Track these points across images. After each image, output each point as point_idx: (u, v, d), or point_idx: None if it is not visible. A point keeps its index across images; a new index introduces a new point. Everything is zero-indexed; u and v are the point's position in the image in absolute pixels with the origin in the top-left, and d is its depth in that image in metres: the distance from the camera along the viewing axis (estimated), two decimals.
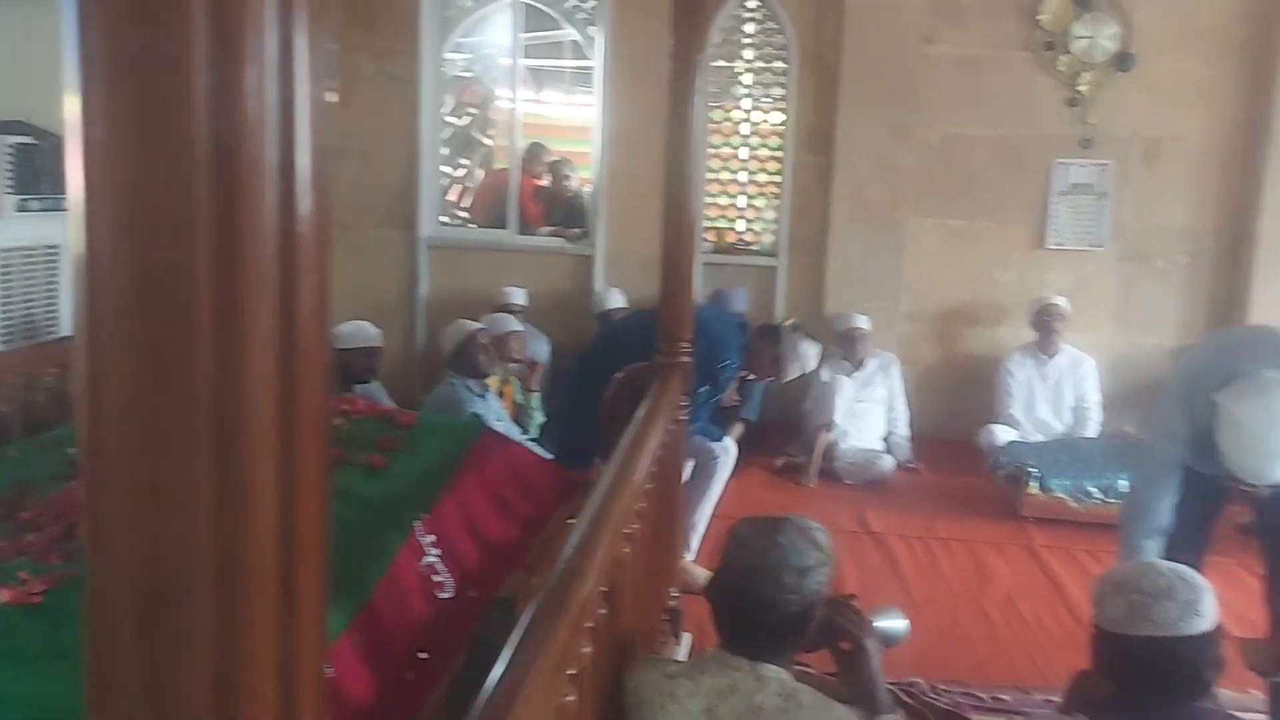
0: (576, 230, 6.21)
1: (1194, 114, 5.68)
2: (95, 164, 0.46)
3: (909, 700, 2.93)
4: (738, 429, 5.34)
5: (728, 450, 4.24)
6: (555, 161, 6.49)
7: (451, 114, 6.49)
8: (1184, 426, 2.48)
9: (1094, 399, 5.48)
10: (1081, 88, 5.71)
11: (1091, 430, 5.39)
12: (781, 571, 1.78)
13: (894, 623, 2.17)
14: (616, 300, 5.69)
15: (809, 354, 4.15)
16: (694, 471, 4.01)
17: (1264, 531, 2.80)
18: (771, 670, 1.77)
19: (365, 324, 4.55)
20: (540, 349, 5.58)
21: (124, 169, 0.46)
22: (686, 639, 3.04)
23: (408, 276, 6.21)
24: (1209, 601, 1.70)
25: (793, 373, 4.16)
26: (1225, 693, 2.99)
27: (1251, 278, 5.55)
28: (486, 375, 4.42)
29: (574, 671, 1.42)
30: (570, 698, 1.39)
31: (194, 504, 0.47)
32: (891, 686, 2.95)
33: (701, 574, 3.18)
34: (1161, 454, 2.60)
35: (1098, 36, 5.66)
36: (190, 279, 0.46)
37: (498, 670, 1.22)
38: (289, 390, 0.50)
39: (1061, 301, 5.48)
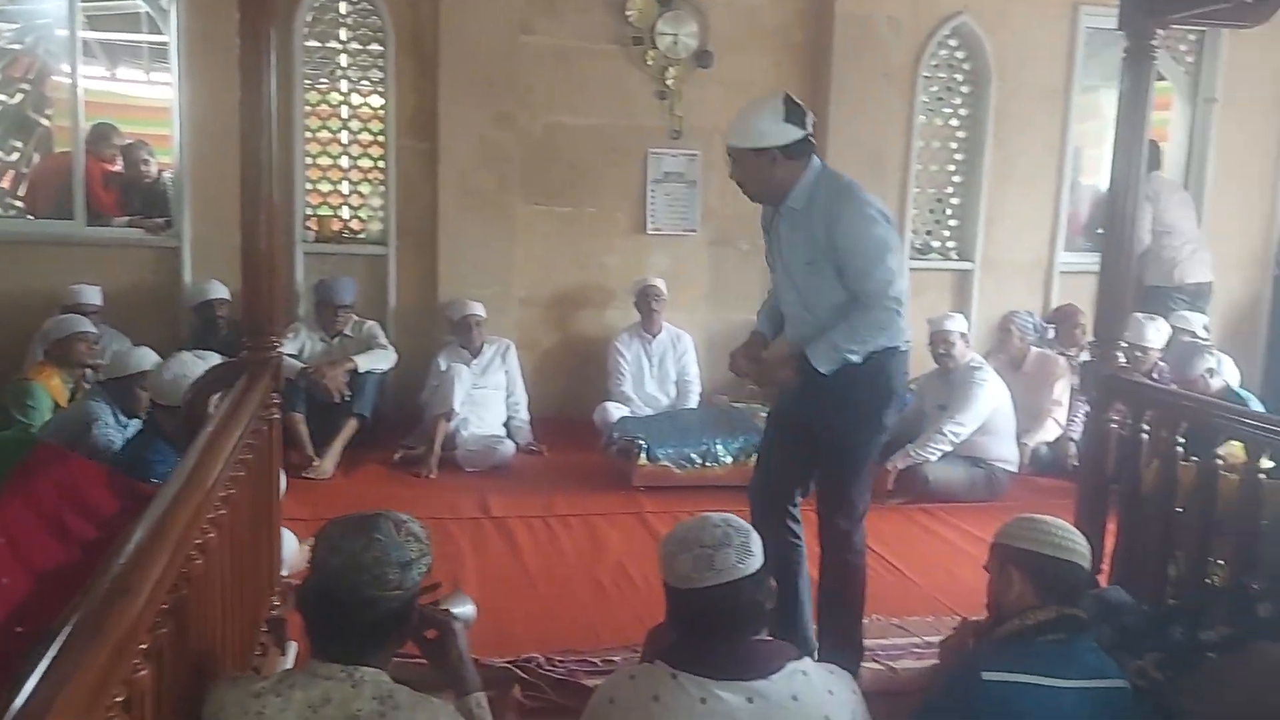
0: (158, 220, 5.66)
1: None
2: None
3: (525, 675, 2.98)
4: (351, 425, 5.15)
5: None
6: (129, 145, 5.88)
7: None
8: None
9: (693, 372, 5.89)
10: (669, 81, 6.10)
11: (693, 401, 5.80)
12: (385, 569, 1.72)
13: (463, 608, 2.20)
14: (219, 291, 5.28)
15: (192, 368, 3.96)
16: None
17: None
18: (369, 673, 1.71)
19: None
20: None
21: None
22: (293, 648, 2.88)
23: None
24: (756, 539, 1.87)
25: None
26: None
27: None
28: (135, 416, 4.07)
29: (122, 697, 1.27)
30: None
31: None
32: (507, 664, 3.01)
33: None
34: None
35: (680, 34, 6.06)
36: None
37: (17, 703, 1.07)
38: None
39: (659, 282, 5.83)
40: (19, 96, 5.84)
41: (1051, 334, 6.21)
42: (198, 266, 5.58)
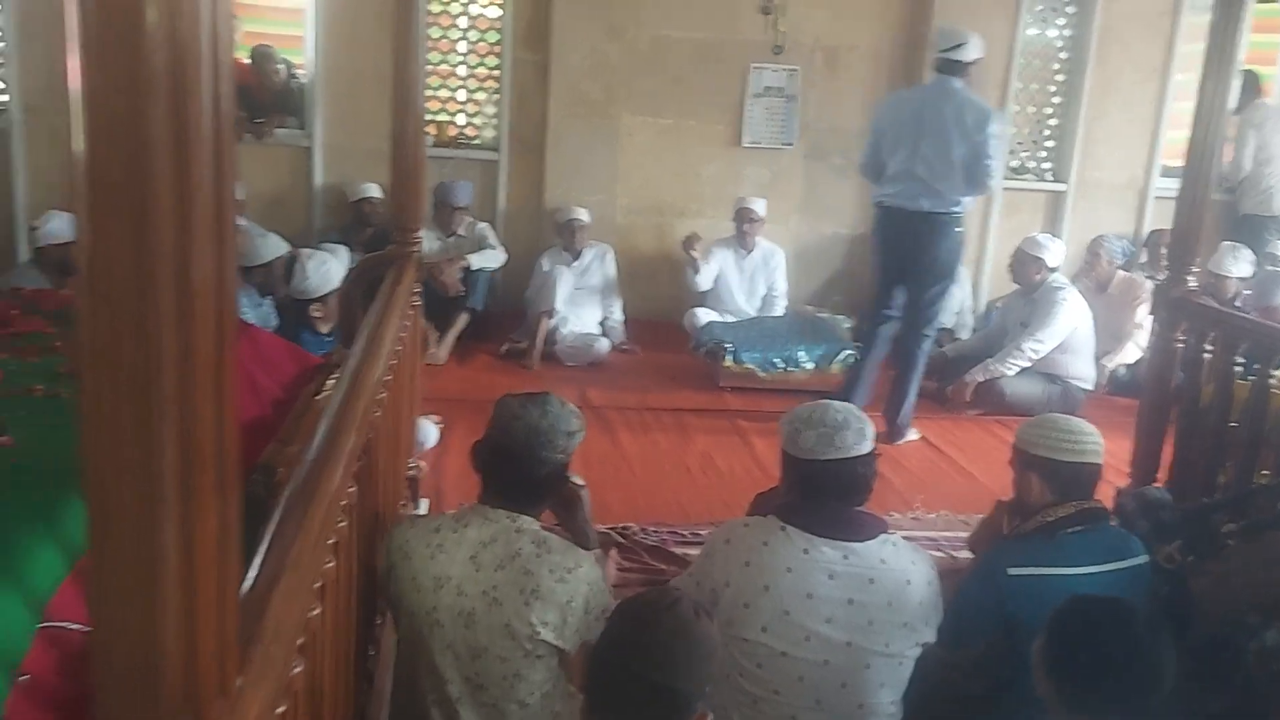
0: (283, 119, 6.03)
1: (866, 25, 6.36)
2: None
3: (622, 540, 3.40)
4: (464, 318, 5.58)
5: None
6: (258, 52, 6.16)
7: None
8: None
9: (781, 288, 6.11)
10: None
11: (779, 311, 6.06)
12: (555, 435, 2.10)
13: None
14: (373, 191, 5.72)
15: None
16: None
17: None
18: (527, 521, 2.09)
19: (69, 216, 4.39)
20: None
21: None
22: (425, 503, 3.34)
23: None
24: (870, 428, 2.20)
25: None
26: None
27: None
28: (271, 294, 4.74)
29: (332, 540, 1.56)
30: (329, 564, 1.54)
31: None
32: (607, 530, 3.42)
33: None
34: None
35: None
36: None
37: (271, 527, 1.28)
38: None
39: (757, 206, 6.00)
40: None
41: (1144, 258, 6.29)
42: (327, 167, 6.02)
